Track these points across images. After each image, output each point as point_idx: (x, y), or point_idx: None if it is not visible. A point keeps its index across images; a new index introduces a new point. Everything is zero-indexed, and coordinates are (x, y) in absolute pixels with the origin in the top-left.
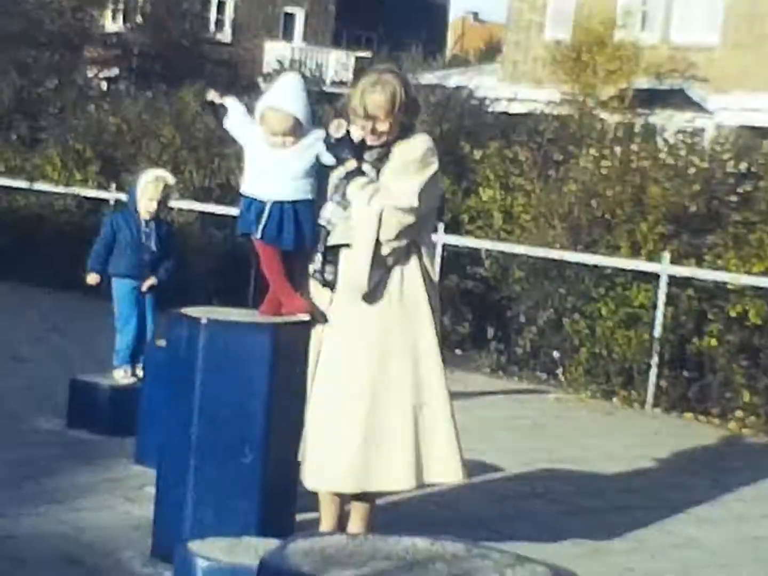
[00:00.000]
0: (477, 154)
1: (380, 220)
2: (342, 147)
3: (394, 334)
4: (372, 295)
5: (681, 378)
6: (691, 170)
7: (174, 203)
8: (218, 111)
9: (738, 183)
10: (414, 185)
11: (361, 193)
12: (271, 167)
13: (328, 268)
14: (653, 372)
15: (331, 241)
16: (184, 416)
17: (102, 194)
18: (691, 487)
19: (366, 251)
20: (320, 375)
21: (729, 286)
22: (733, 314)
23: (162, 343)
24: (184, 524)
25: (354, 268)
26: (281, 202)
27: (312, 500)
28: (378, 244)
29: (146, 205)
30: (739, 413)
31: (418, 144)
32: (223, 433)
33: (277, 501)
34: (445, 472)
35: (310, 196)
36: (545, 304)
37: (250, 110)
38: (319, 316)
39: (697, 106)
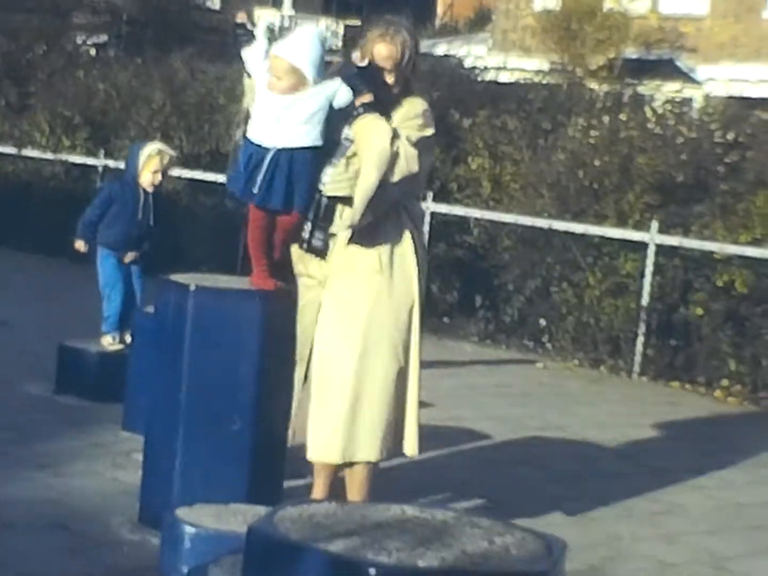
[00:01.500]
0: (466, 122)
1: (395, 155)
2: (363, 77)
3: (383, 305)
4: (364, 260)
5: (667, 347)
6: (679, 140)
7: None
8: (239, 38)
9: (725, 153)
10: (414, 139)
11: (378, 125)
12: (274, 110)
13: (317, 234)
14: (640, 341)
15: (329, 191)
16: (173, 383)
17: (90, 161)
18: (677, 455)
19: (373, 175)
20: (314, 345)
21: (716, 256)
22: (719, 283)
23: (150, 309)
24: (172, 491)
25: (356, 197)
26: (280, 153)
27: (303, 467)
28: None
29: (151, 177)
30: (724, 382)
31: (418, 104)
32: (212, 400)
33: (266, 468)
34: (408, 445)
35: (317, 142)
36: (533, 273)
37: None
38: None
39: (686, 77)
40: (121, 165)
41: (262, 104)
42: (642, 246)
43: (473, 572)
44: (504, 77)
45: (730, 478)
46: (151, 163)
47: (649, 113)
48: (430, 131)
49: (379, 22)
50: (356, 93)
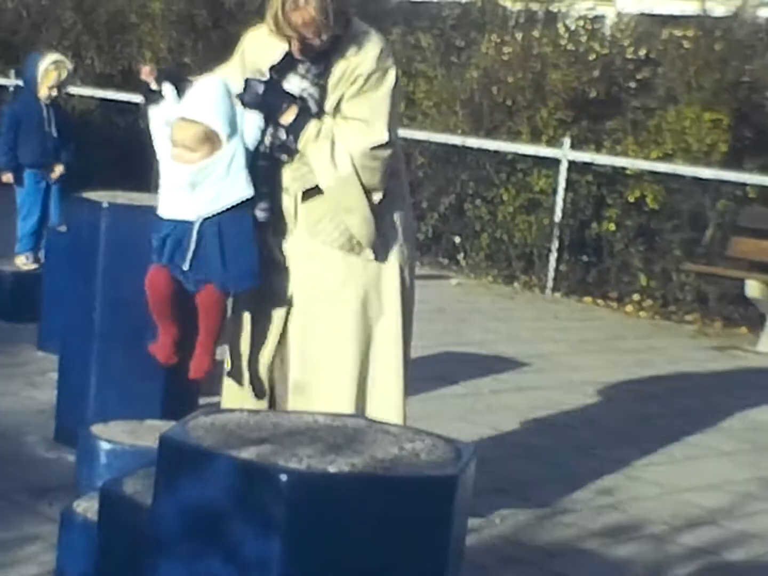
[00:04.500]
0: None
1: (358, 176)
2: (274, 90)
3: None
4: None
5: (580, 262)
6: (592, 56)
7: (75, 89)
8: (149, 95)
9: (637, 69)
10: (378, 109)
11: (319, 155)
12: (187, 179)
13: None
14: (553, 257)
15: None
16: (87, 301)
17: (1, 81)
18: (588, 367)
19: (361, 211)
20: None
21: (627, 172)
22: (631, 199)
23: (63, 228)
24: (88, 408)
25: (358, 232)
26: (205, 222)
27: (217, 385)
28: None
29: (47, 91)
30: (636, 296)
31: (368, 49)
32: (127, 318)
33: (181, 385)
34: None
35: (245, 193)
36: (447, 190)
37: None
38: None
39: None
40: None
41: (169, 176)
42: (555, 162)
43: (383, 477)
44: None
45: (639, 389)
46: (48, 77)
47: (561, 30)
48: (389, 81)
49: None
50: (275, 113)
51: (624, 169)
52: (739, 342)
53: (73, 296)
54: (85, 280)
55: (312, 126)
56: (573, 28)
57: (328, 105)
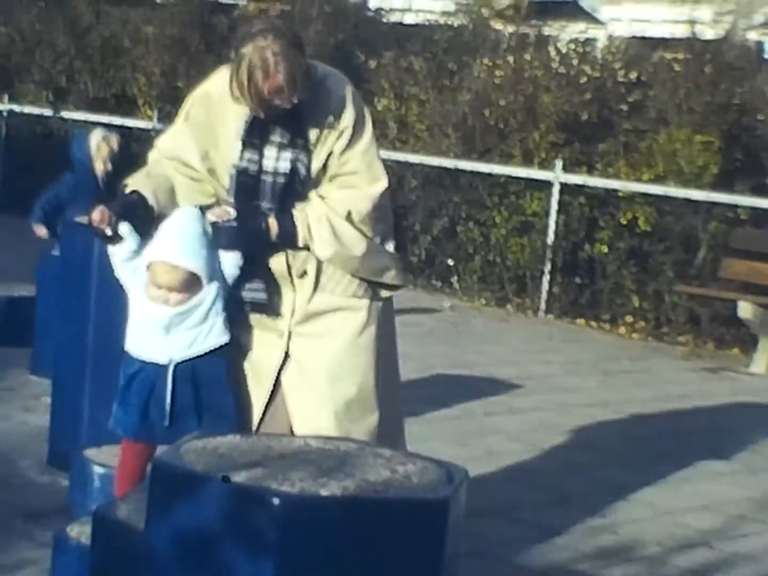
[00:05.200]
0: (372, 63)
1: (362, 234)
2: (246, 229)
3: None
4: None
5: (573, 284)
6: (583, 79)
7: (68, 114)
8: (107, 239)
9: (628, 92)
10: (369, 155)
11: (321, 237)
12: (161, 322)
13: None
14: (546, 279)
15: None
16: (80, 324)
17: None
18: (581, 389)
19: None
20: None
21: (619, 194)
22: (623, 221)
23: (56, 252)
24: (81, 432)
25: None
26: (179, 367)
27: None
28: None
29: (102, 165)
30: (628, 318)
31: (341, 95)
32: (119, 341)
33: None
34: None
35: (222, 339)
36: (440, 213)
37: None
38: None
39: (590, 17)
40: (26, 110)
41: (142, 317)
42: (547, 185)
43: (375, 500)
44: (410, 18)
45: (632, 410)
46: (101, 152)
47: (553, 53)
48: (369, 124)
49: (248, 41)
50: (261, 241)
51: (616, 191)
52: (731, 363)
53: (66, 320)
54: (78, 304)
55: (303, 199)
56: (564, 51)
57: (315, 165)
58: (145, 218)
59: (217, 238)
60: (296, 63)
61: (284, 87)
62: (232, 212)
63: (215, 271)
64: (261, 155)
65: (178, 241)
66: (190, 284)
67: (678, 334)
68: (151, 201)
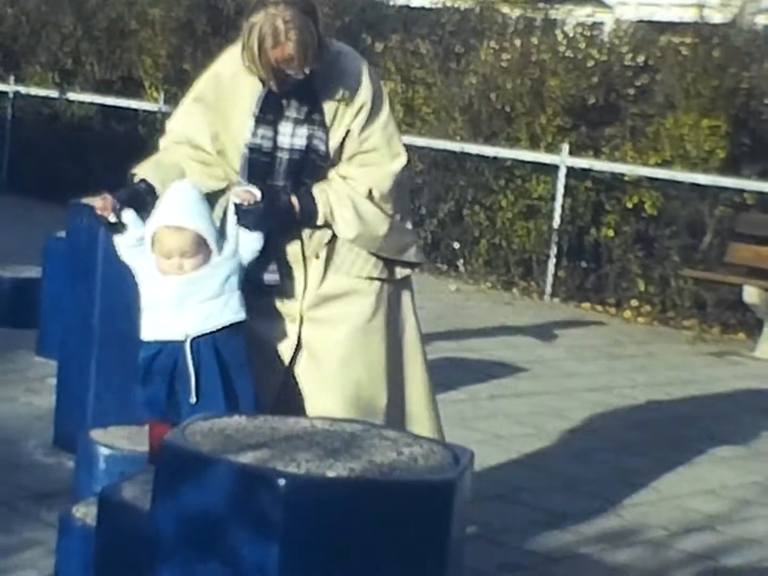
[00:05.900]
0: (378, 46)
1: (383, 212)
2: (272, 209)
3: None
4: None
5: (578, 268)
6: (590, 63)
7: (75, 95)
8: (111, 226)
9: (635, 76)
10: (388, 131)
11: (344, 219)
12: (172, 292)
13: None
14: (551, 263)
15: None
16: (86, 306)
17: (1, 87)
18: (586, 373)
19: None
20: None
21: (626, 178)
22: (629, 205)
23: (62, 234)
24: (86, 413)
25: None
26: (196, 342)
27: None
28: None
29: None
30: (634, 302)
31: (357, 72)
32: (125, 323)
33: None
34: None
35: (239, 316)
36: (446, 197)
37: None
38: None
39: (597, 1)
40: (32, 91)
41: (153, 296)
42: (553, 168)
43: (381, 482)
44: (416, 1)
45: (636, 395)
46: None
47: (560, 36)
48: (386, 98)
49: (258, 12)
50: (289, 219)
51: (622, 175)
52: (736, 348)
53: (72, 302)
54: (84, 286)
55: (320, 177)
56: (571, 34)
57: (332, 143)
58: (152, 207)
59: (244, 219)
60: (307, 31)
61: (294, 56)
62: (257, 193)
63: (224, 242)
64: (275, 131)
65: (178, 205)
66: (199, 248)
67: (683, 319)
68: (159, 190)
